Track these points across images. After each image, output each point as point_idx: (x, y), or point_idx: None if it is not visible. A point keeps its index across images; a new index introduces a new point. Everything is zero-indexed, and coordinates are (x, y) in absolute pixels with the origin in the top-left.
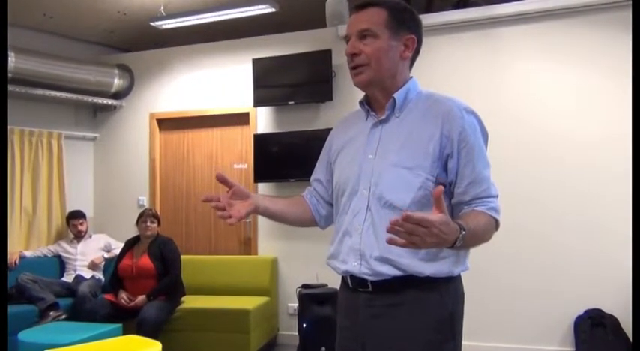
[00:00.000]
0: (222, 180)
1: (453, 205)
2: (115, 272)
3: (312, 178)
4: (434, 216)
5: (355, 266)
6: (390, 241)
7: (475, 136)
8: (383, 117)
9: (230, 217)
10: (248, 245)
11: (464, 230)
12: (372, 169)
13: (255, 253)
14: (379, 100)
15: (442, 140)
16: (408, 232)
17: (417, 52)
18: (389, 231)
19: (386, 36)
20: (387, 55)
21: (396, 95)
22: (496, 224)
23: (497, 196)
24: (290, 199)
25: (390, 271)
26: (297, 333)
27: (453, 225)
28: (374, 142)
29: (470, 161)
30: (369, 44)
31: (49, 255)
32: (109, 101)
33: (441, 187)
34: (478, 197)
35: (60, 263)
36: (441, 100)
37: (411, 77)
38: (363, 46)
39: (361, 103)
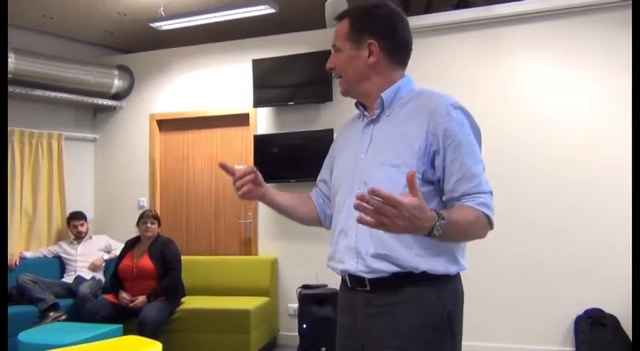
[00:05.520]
0: (223, 167)
1: (445, 202)
2: (115, 273)
3: (318, 178)
4: (405, 198)
5: (352, 265)
6: (360, 220)
7: (463, 132)
8: (374, 117)
9: (242, 190)
10: (248, 246)
11: (442, 219)
12: (363, 168)
13: (256, 254)
14: (367, 102)
15: (428, 137)
16: (376, 210)
17: (394, 52)
18: (355, 207)
19: (347, 47)
20: (351, 64)
21: (383, 95)
22: (489, 221)
23: (489, 192)
24: (297, 195)
25: (386, 267)
26: (297, 333)
27: (430, 212)
28: (366, 141)
29: (457, 158)
30: (337, 57)
31: (49, 256)
32: (109, 102)
33: (414, 171)
34: (468, 193)
35: (60, 264)
36: (430, 97)
37: (405, 76)
38: (335, 60)
39: (356, 104)
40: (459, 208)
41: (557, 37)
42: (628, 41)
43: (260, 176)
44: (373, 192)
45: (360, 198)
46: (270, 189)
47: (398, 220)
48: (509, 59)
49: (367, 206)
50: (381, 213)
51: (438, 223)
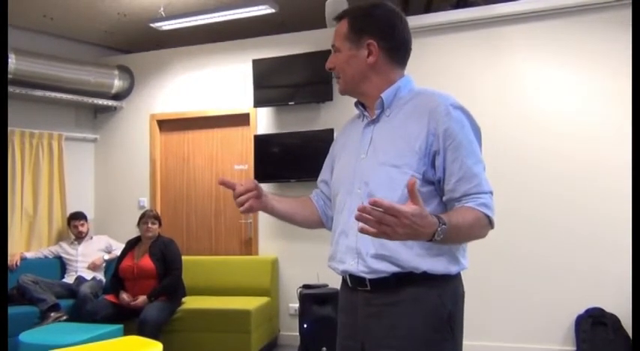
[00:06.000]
0: (223, 183)
1: (445, 202)
2: (115, 273)
3: (318, 179)
4: (406, 206)
5: (352, 265)
6: (362, 230)
7: (463, 132)
8: (374, 117)
9: (243, 205)
10: (249, 246)
11: (444, 224)
12: (364, 169)
13: (256, 254)
14: (367, 102)
15: (428, 137)
16: (377, 220)
17: (393, 52)
18: (357, 218)
19: (346, 47)
20: (349, 64)
21: (383, 95)
22: (489, 221)
23: (489, 193)
24: (298, 200)
25: (387, 268)
26: (298, 333)
27: (431, 218)
28: (366, 141)
29: (457, 158)
30: (336, 57)
31: (50, 256)
32: (110, 102)
33: (415, 179)
34: (468, 194)
35: (61, 264)
36: (429, 97)
37: (404, 76)
38: (334, 59)
39: (356, 104)
40: (459, 210)
41: (556, 37)
42: (627, 40)
43: (261, 189)
44: (374, 203)
45: (361, 210)
46: (270, 197)
47: (399, 228)
48: (508, 59)
49: (369, 217)
50: (382, 223)
51: (439, 229)
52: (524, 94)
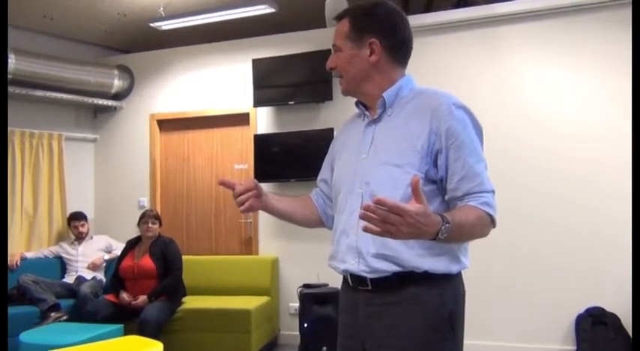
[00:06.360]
0: (223, 183)
1: (447, 201)
2: (116, 273)
3: (318, 178)
4: (410, 205)
5: (353, 265)
6: (366, 229)
7: (465, 131)
8: (376, 116)
9: (243, 205)
10: (249, 245)
11: (447, 223)
12: (365, 168)
13: (256, 253)
14: (368, 102)
15: (431, 136)
16: (382, 219)
17: (395, 50)
18: (361, 217)
19: (348, 47)
20: (352, 64)
21: (385, 94)
22: (491, 219)
23: (491, 191)
24: (297, 199)
25: (388, 267)
26: (298, 333)
27: (435, 217)
28: (367, 141)
29: (460, 157)
30: (338, 57)
31: (50, 256)
32: (109, 102)
33: (418, 177)
34: (470, 192)
35: (61, 264)
36: (431, 96)
37: (405, 75)
38: (336, 59)
39: (356, 104)
40: (461, 209)
41: (556, 37)
42: (627, 40)
43: (261, 188)
44: (379, 202)
45: (365, 208)
46: (270, 196)
47: (403, 227)
48: (508, 58)
49: (373, 216)
50: (386, 221)
51: (442, 228)
52: (524, 94)
